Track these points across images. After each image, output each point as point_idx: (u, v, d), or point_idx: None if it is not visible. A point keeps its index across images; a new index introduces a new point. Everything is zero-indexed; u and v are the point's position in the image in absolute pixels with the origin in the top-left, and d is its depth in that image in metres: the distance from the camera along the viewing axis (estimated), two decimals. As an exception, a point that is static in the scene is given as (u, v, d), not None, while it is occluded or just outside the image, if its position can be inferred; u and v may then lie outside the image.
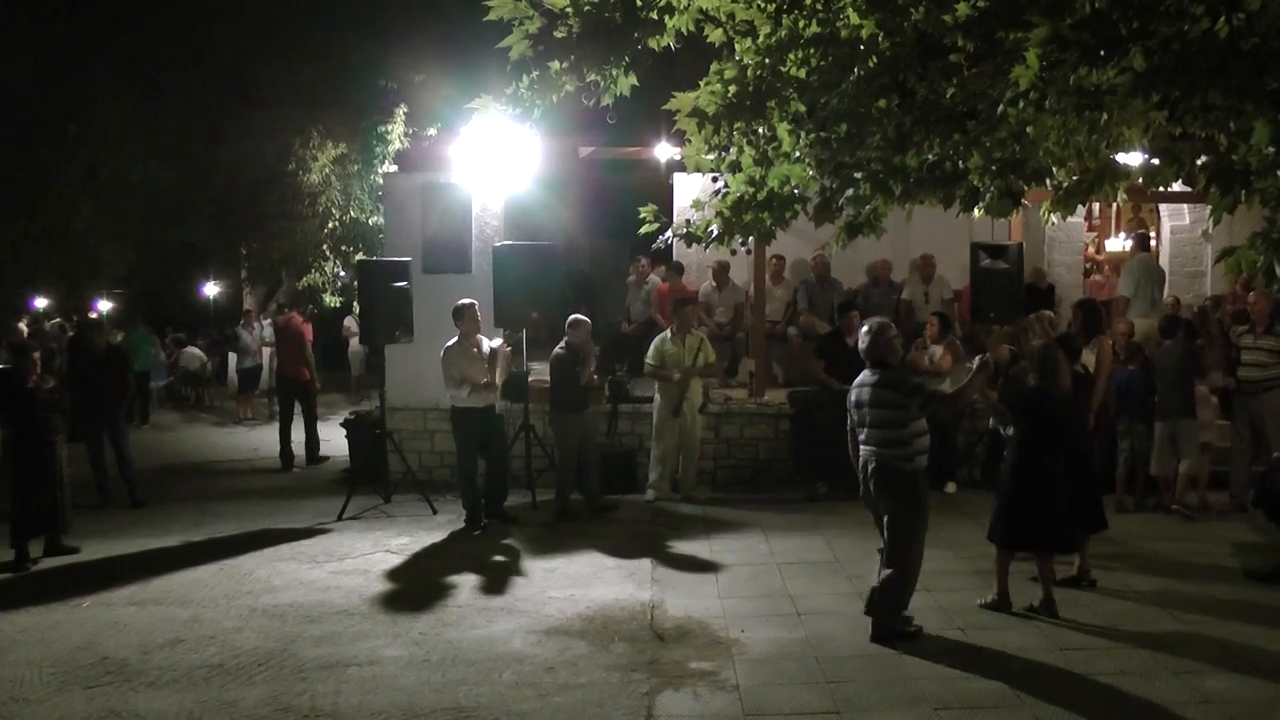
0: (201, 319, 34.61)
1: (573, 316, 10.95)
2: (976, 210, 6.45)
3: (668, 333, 11.50)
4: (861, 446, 7.19)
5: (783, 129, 6.19)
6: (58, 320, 27.13)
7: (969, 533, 9.45)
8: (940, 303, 13.73)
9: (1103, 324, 10.08)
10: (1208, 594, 7.98)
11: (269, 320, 20.66)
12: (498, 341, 10.60)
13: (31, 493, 9.39)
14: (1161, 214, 17.62)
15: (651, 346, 11.46)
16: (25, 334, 20.60)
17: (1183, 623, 7.35)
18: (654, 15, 5.68)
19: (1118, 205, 14.27)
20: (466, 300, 10.60)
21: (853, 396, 7.26)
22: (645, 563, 9.03)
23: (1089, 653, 6.76)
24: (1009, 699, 6.08)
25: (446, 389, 10.33)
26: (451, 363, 10.20)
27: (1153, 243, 18.02)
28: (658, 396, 11.44)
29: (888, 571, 7.06)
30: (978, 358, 7.41)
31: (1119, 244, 18.13)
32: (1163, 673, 6.40)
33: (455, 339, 10.35)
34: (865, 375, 7.22)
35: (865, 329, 7.29)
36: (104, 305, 34.23)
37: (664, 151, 12.57)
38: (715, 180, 6.93)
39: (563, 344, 10.73)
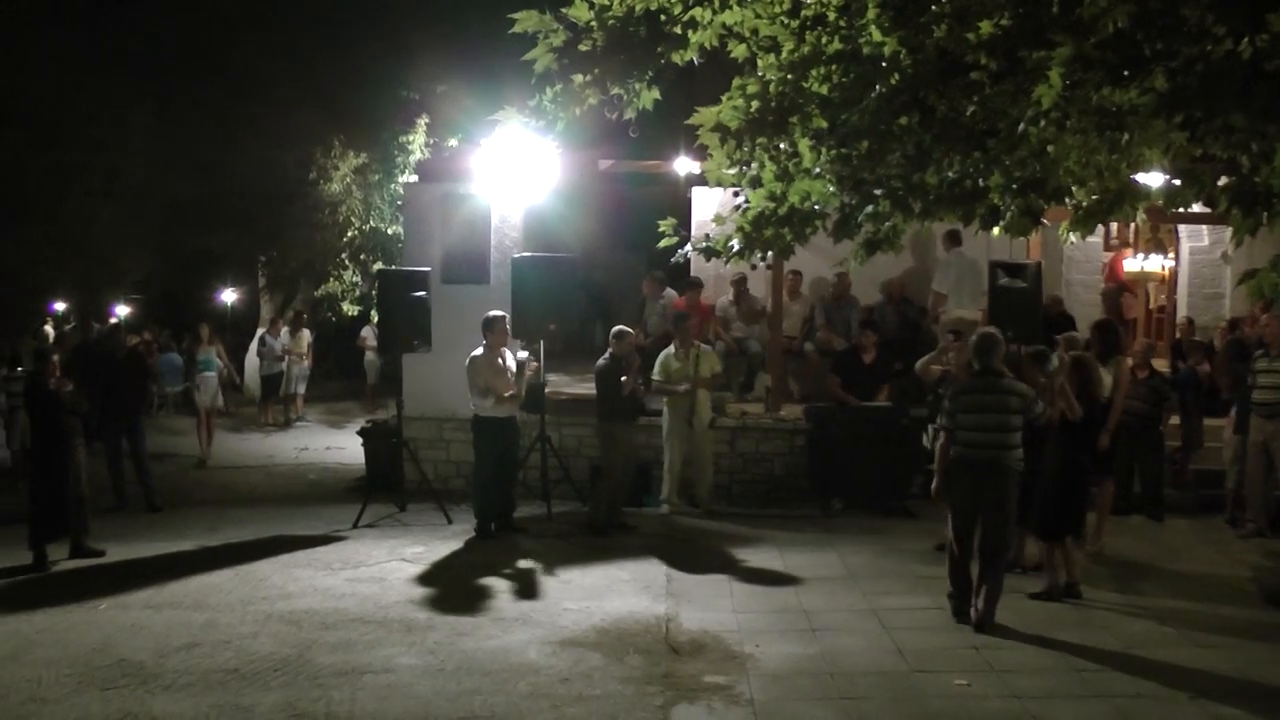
0: (219, 325, 34.72)
1: (617, 328, 10.95)
2: (996, 229, 6.46)
3: (671, 348, 11.51)
4: (970, 449, 7.55)
5: (804, 145, 6.21)
6: (74, 325, 27.28)
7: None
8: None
9: (1121, 344, 10.07)
10: (1225, 617, 7.94)
11: (287, 328, 20.72)
12: (524, 355, 10.61)
13: (51, 496, 9.45)
14: (1181, 235, 17.56)
15: (657, 363, 11.47)
16: (51, 337, 20.68)
17: (1200, 645, 7.31)
18: (678, 30, 5.73)
19: (1136, 225, 14.27)
20: (497, 312, 10.62)
21: (966, 399, 7.60)
22: (660, 576, 9.03)
23: (1104, 674, 6.73)
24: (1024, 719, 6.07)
25: (470, 397, 10.34)
26: (478, 372, 10.23)
27: (1170, 262, 18.00)
28: (666, 411, 11.45)
29: (996, 564, 7.55)
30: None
31: (1137, 264, 18.05)
32: (1179, 697, 6.36)
33: (482, 349, 10.37)
34: (979, 381, 7.68)
35: (979, 337, 7.84)
36: (122, 310, 34.36)
37: (683, 166, 12.54)
38: (736, 195, 6.96)
39: (607, 355, 10.74)
